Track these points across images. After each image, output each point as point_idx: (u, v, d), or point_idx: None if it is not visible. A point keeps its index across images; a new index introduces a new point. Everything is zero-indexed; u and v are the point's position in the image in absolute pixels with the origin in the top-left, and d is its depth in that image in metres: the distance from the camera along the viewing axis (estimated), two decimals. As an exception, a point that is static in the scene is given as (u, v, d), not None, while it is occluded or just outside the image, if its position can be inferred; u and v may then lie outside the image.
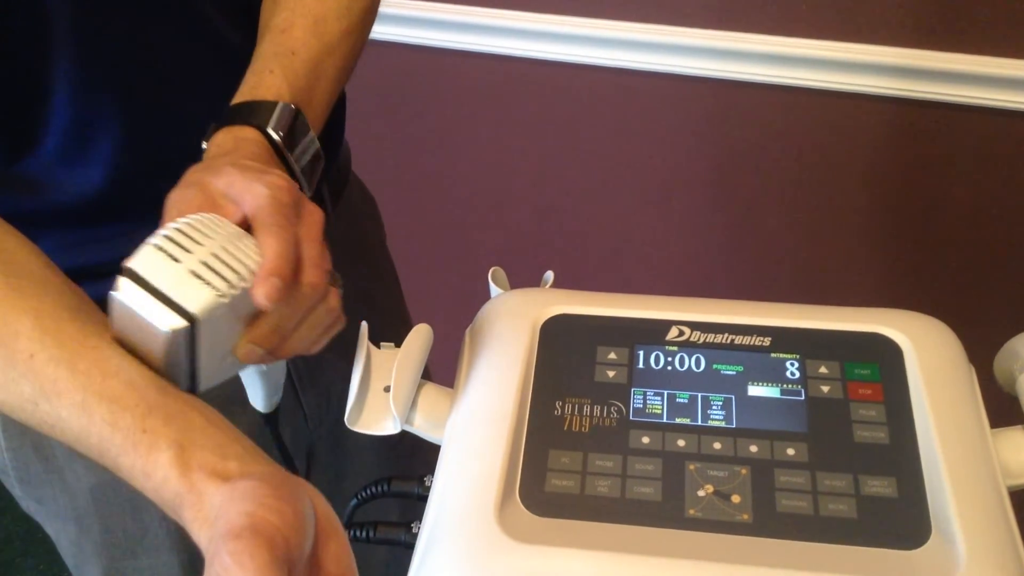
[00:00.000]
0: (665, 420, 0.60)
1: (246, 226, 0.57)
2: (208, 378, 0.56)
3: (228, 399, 0.82)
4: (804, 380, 0.61)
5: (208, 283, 0.52)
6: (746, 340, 0.63)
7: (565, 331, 0.65)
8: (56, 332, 0.52)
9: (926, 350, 0.62)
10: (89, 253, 0.72)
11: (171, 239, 0.53)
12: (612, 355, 0.64)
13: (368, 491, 0.65)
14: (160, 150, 0.74)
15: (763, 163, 1.45)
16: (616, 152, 1.53)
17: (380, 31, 1.40)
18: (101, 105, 0.69)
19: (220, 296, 0.52)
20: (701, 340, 0.64)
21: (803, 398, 0.60)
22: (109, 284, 0.70)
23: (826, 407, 0.60)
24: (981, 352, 0.66)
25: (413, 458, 0.99)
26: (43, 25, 0.65)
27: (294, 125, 0.67)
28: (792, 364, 0.62)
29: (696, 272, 1.62)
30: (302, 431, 0.88)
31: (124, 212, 0.74)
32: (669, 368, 0.63)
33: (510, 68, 1.49)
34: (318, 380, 0.89)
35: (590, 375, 0.63)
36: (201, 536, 0.45)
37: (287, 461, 0.78)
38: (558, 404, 0.61)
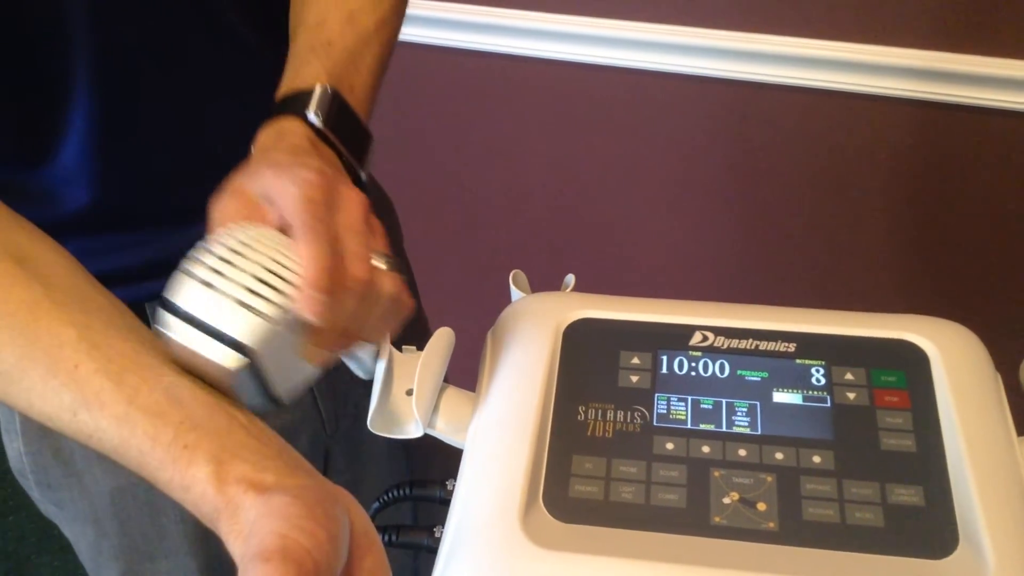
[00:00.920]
0: (689, 426, 0.59)
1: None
2: (288, 390, 0.55)
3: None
4: (830, 387, 0.61)
5: (257, 311, 0.51)
6: (771, 346, 0.63)
7: (588, 335, 0.65)
8: (106, 347, 0.51)
9: (953, 357, 0.62)
10: (115, 258, 0.72)
11: (213, 268, 0.52)
12: (635, 360, 0.63)
13: (390, 495, 0.65)
14: (181, 155, 0.74)
15: (781, 165, 1.45)
16: (632, 154, 1.53)
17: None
18: (120, 114, 0.69)
19: (272, 322, 0.52)
20: (725, 345, 0.63)
21: (829, 405, 0.60)
22: (137, 288, 0.70)
23: (852, 414, 0.59)
24: (1005, 358, 0.66)
25: (429, 463, 0.99)
26: (61, 32, 0.65)
27: (335, 107, 0.66)
28: (817, 370, 0.61)
29: (712, 275, 1.61)
30: (319, 436, 0.88)
31: (147, 218, 0.74)
32: (693, 373, 0.62)
33: (526, 69, 1.49)
34: (336, 385, 0.89)
35: (613, 380, 0.62)
36: (235, 549, 0.45)
37: None
38: (581, 409, 0.61)
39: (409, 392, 0.63)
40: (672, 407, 0.60)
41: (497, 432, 0.60)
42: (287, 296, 0.53)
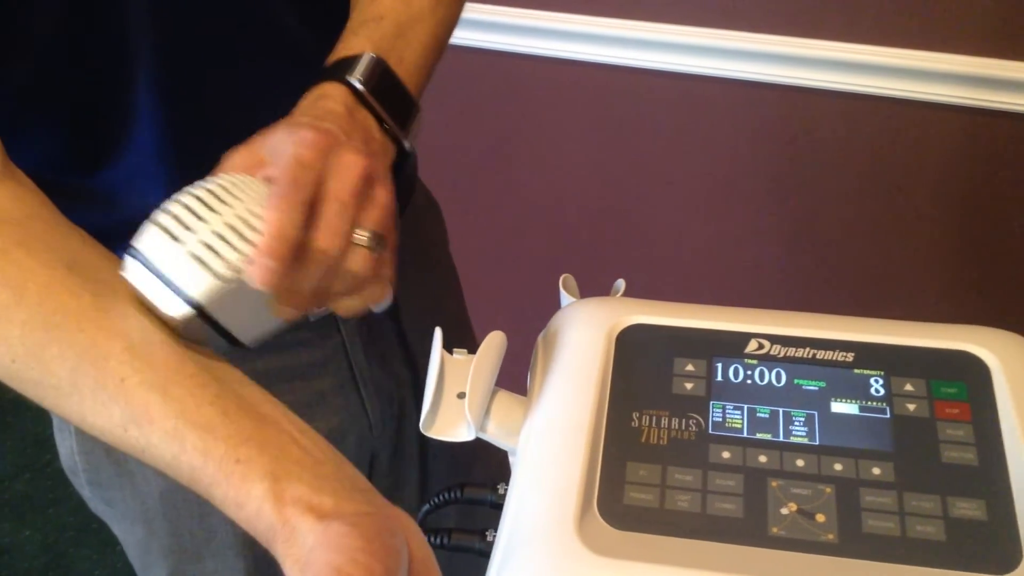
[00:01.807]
0: (746, 435, 0.59)
1: None
2: (252, 338, 0.55)
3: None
4: (889, 398, 0.60)
5: (210, 268, 0.51)
6: (828, 355, 0.62)
7: (641, 341, 0.65)
8: (149, 356, 0.51)
9: (1014, 369, 0.61)
10: None
11: (177, 217, 0.52)
12: (690, 367, 0.63)
13: (440, 497, 0.65)
14: None
15: (826, 171, 1.44)
16: (676, 158, 1.52)
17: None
18: (182, 116, 0.69)
19: (224, 280, 0.51)
20: (781, 354, 0.62)
21: (888, 416, 0.59)
22: None
23: (912, 426, 0.58)
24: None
25: (472, 466, 0.99)
26: (125, 42, 0.65)
27: (379, 73, 0.65)
28: (876, 381, 0.60)
29: (754, 281, 1.60)
30: (366, 439, 0.88)
31: None
32: (749, 382, 0.61)
33: (573, 73, 1.49)
34: (382, 387, 0.89)
35: (667, 387, 0.62)
36: (292, 574, 0.45)
37: None
38: (635, 415, 0.60)
39: (461, 395, 0.63)
40: (728, 415, 0.60)
41: (551, 437, 0.59)
42: (244, 256, 0.52)
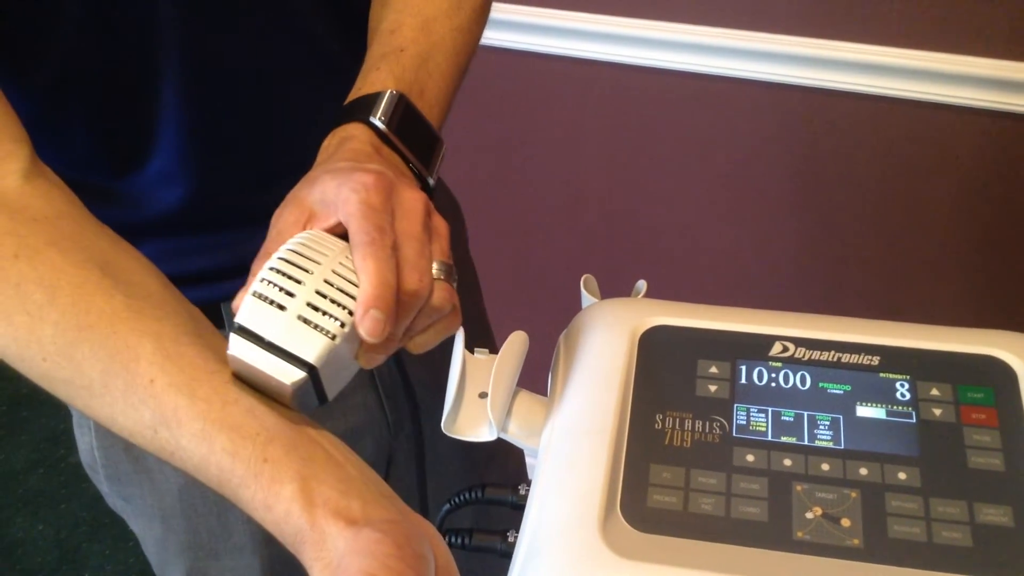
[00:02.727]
0: (770, 438, 0.58)
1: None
2: (337, 391, 0.55)
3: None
4: (915, 402, 0.59)
5: (319, 328, 0.51)
6: (853, 359, 0.61)
7: (664, 343, 0.64)
8: (177, 357, 0.51)
9: (1041, 375, 0.60)
10: (188, 261, 0.72)
11: (274, 283, 0.52)
12: (713, 369, 0.62)
13: (461, 497, 0.65)
14: (265, 160, 0.75)
15: (847, 174, 1.43)
16: (696, 159, 1.51)
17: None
18: (209, 120, 0.69)
19: (333, 339, 0.51)
20: (806, 357, 0.62)
21: (914, 421, 0.58)
22: (212, 289, 0.70)
23: (938, 431, 0.58)
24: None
25: (488, 467, 0.98)
26: (152, 46, 0.65)
27: (401, 111, 0.65)
28: (902, 385, 0.60)
29: (773, 282, 1.59)
30: (384, 439, 0.88)
31: (222, 223, 0.74)
32: (773, 385, 0.61)
33: (590, 72, 1.48)
34: (399, 387, 0.89)
35: (691, 389, 0.61)
36: None
37: None
38: (658, 417, 0.60)
39: (483, 395, 0.63)
40: (752, 418, 0.59)
41: (574, 438, 0.59)
42: (347, 311, 0.52)
